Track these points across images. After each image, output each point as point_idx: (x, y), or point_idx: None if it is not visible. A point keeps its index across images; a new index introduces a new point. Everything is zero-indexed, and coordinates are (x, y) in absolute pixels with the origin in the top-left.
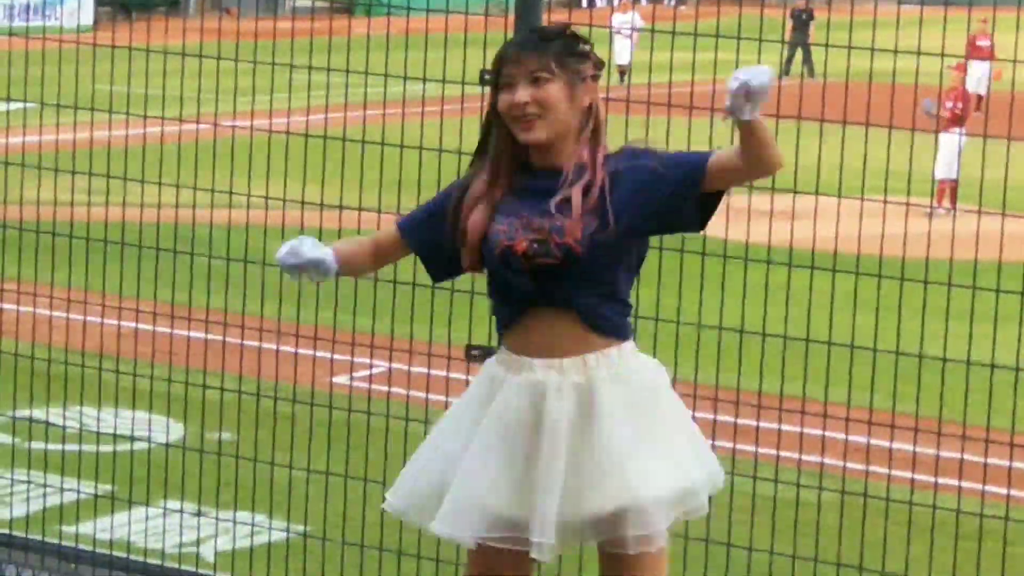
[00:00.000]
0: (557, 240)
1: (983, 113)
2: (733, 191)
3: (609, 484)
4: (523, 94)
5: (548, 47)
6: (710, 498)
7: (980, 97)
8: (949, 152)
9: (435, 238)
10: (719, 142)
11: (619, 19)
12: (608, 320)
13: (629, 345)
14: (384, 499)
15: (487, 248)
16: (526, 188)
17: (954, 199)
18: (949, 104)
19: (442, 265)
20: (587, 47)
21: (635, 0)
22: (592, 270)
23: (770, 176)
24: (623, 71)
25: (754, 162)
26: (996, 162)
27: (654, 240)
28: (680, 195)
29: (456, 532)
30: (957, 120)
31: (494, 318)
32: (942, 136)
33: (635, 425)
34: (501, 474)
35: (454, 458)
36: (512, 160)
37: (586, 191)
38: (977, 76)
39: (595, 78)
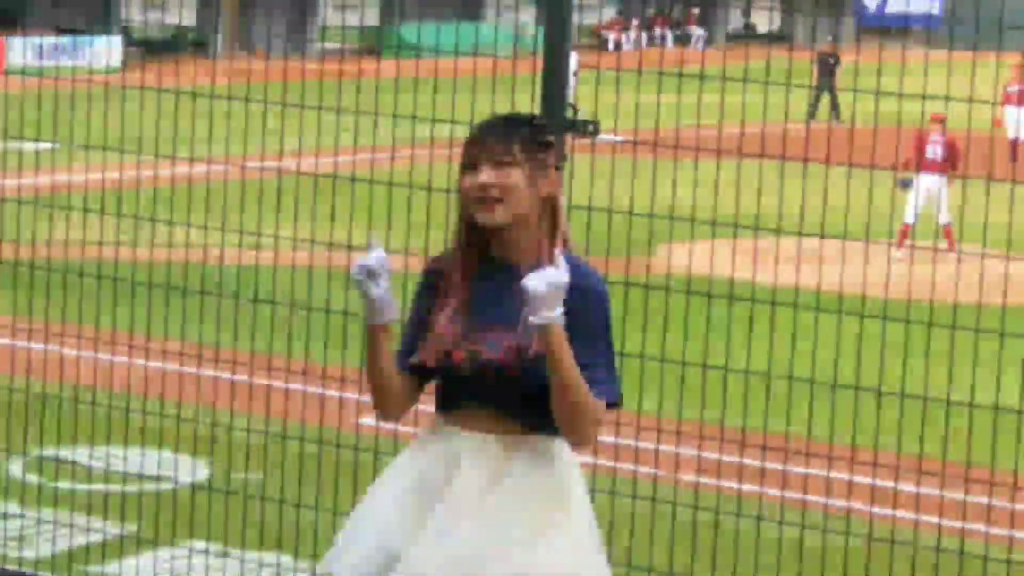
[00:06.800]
0: (489, 355)
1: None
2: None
3: (500, 552)
4: (487, 176)
5: (514, 133)
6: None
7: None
8: (928, 195)
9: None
10: (746, 184)
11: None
12: (538, 420)
13: (557, 438)
14: None
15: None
16: (484, 283)
17: (902, 241)
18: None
19: None
20: (551, 138)
21: (650, 40)
22: (525, 383)
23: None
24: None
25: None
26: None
27: (680, 285)
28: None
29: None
30: (939, 166)
31: (436, 395)
32: (924, 178)
33: (542, 511)
34: (400, 518)
35: (370, 508)
36: (474, 251)
37: None
38: (1014, 122)
39: (558, 169)
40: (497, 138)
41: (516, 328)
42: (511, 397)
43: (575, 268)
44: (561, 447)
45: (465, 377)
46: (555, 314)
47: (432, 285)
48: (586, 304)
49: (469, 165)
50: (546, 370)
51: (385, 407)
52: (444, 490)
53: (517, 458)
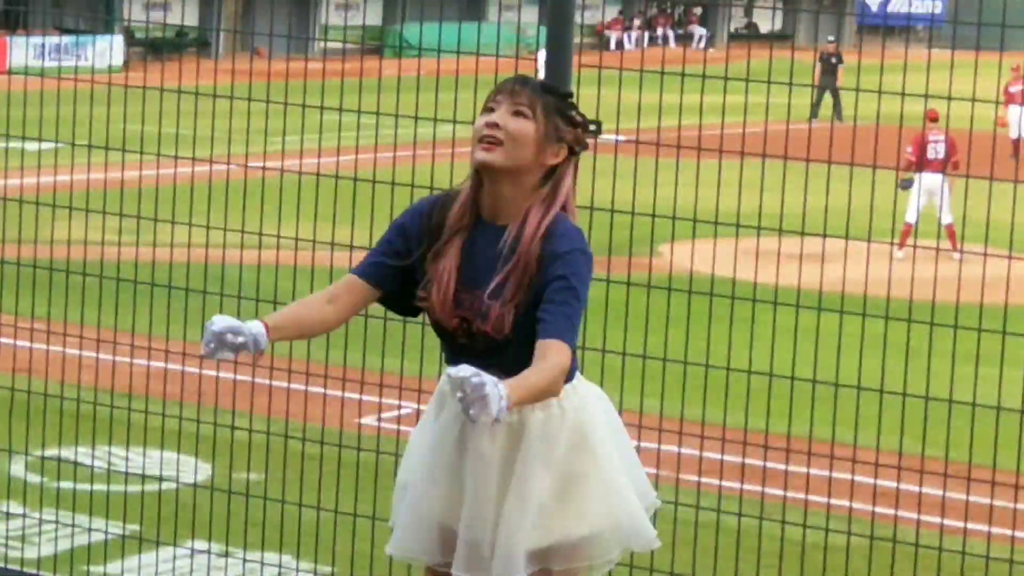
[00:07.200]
0: (480, 326)
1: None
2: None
3: (538, 522)
4: (499, 116)
5: (544, 95)
6: (653, 520)
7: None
8: (930, 195)
9: (397, 274)
10: (749, 184)
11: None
12: None
13: (570, 386)
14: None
15: (427, 305)
16: (472, 243)
17: (904, 241)
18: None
19: (403, 299)
20: (578, 118)
21: (652, 39)
22: (513, 345)
23: None
24: None
25: None
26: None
27: (683, 284)
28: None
29: (414, 552)
30: (941, 165)
31: (441, 347)
32: (927, 178)
33: (567, 465)
34: (443, 492)
35: (412, 475)
36: (475, 206)
37: (520, 271)
38: (1015, 122)
39: (572, 151)
40: (526, 89)
41: (500, 296)
42: (508, 359)
43: (562, 228)
44: (572, 391)
45: (461, 340)
46: (497, 405)
47: (431, 221)
48: (562, 258)
49: (488, 109)
50: (533, 328)
51: (326, 330)
52: (467, 460)
53: (532, 421)
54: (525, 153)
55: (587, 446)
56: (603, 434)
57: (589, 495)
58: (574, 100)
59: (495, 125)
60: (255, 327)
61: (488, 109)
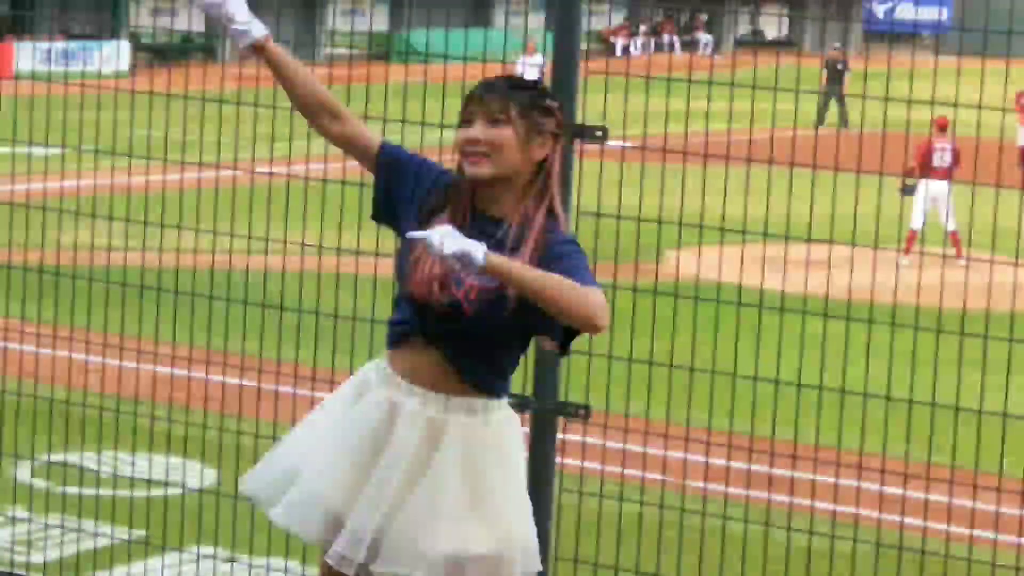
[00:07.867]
0: (453, 291)
1: None
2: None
3: (453, 530)
4: (477, 131)
5: (514, 94)
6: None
7: None
8: (935, 202)
9: (396, 186)
10: (755, 190)
11: (529, 61)
12: (479, 375)
13: (497, 403)
14: None
15: (403, 264)
16: (468, 230)
17: (910, 247)
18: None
19: (381, 208)
20: (554, 104)
21: (657, 46)
22: (475, 329)
23: (589, 332)
24: None
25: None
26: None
27: (689, 291)
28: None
29: (295, 525)
30: (947, 172)
31: (387, 330)
32: (933, 185)
33: (472, 479)
34: (344, 478)
35: (311, 450)
36: (468, 201)
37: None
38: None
39: (556, 137)
40: (495, 96)
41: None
42: (457, 338)
43: (552, 238)
44: (498, 407)
45: (420, 308)
46: (481, 250)
47: (439, 189)
48: (560, 257)
49: (465, 121)
50: (500, 314)
51: (309, 105)
52: (383, 451)
53: (453, 423)
54: (512, 158)
55: (505, 464)
56: (518, 460)
57: (499, 512)
58: (543, 87)
59: (476, 140)
60: (259, 26)
61: (465, 121)
